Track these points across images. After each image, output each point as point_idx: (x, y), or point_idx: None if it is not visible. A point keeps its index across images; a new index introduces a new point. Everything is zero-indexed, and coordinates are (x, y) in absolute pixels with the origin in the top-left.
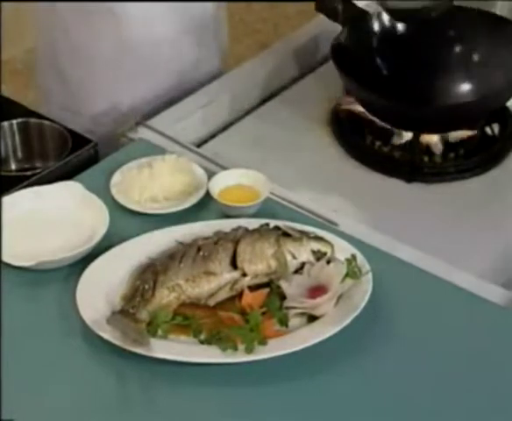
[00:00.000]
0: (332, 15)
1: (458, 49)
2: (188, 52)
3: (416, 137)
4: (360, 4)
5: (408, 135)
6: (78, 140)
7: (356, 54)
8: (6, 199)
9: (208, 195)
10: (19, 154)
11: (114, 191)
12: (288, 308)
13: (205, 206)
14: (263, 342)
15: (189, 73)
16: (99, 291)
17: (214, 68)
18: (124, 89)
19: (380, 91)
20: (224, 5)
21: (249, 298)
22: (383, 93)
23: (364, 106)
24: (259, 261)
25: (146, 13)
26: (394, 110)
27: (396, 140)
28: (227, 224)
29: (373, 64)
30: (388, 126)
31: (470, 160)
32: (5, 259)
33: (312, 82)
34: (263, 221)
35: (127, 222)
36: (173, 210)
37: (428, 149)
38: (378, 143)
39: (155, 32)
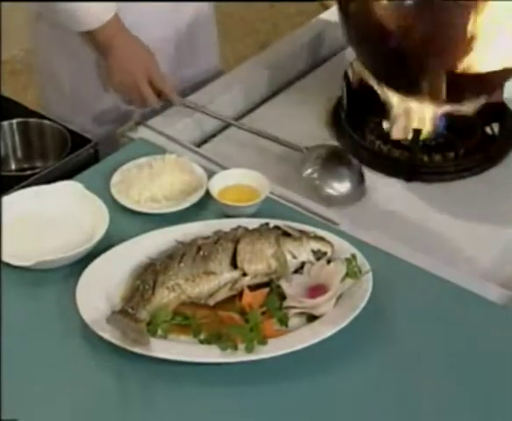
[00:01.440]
0: None
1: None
2: (185, 51)
3: (415, 136)
4: None
5: (405, 106)
6: (78, 140)
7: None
8: (6, 199)
9: (208, 194)
10: (19, 154)
11: (114, 191)
12: (287, 307)
13: (205, 206)
14: (263, 342)
15: (187, 72)
16: (99, 291)
17: (212, 67)
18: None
19: (390, 51)
20: (212, 5)
21: (249, 298)
22: (393, 53)
23: (372, 71)
24: (259, 261)
25: (141, 16)
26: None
27: (395, 114)
28: (227, 224)
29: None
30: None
31: (469, 160)
32: (5, 258)
33: (312, 81)
34: (263, 221)
35: (127, 222)
36: (173, 210)
37: (427, 147)
38: (378, 142)
39: (151, 34)
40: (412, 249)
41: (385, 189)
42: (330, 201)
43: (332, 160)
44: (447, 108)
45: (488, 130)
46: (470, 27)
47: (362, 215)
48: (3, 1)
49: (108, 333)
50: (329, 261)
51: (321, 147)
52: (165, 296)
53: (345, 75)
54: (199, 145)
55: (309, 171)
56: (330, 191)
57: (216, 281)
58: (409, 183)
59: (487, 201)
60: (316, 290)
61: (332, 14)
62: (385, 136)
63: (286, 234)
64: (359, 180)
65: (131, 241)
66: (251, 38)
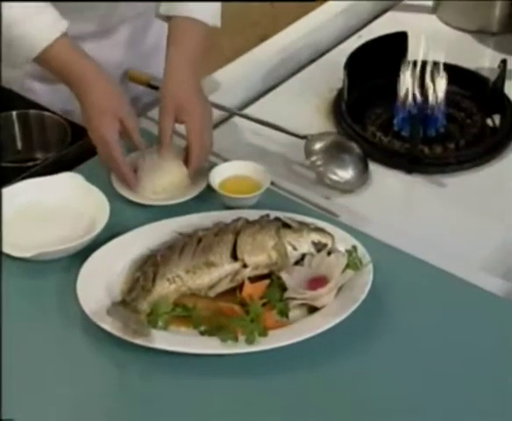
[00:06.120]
0: None
1: None
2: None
3: (416, 129)
4: None
5: None
6: (78, 131)
7: None
8: (6, 190)
9: (208, 186)
10: (19, 145)
11: (115, 182)
12: (288, 299)
13: (206, 197)
14: (263, 333)
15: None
16: (99, 282)
17: None
18: None
19: None
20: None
21: (249, 289)
22: None
23: None
24: (259, 253)
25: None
26: None
27: None
28: (227, 216)
29: None
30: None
31: (470, 151)
32: (6, 249)
33: (312, 73)
34: (263, 212)
35: (128, 213)
36: (173, 202)
37: (428, 139)
38: (378, 134)
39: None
40: (413, 241)
41: (385, 180)
42: (334, 188)
43: (336, 148)
44: None
45: (489, 121)
46: None
47: (363, 206)
48: (3, 1)
49: (108, 325)
50: (329, 253)
51: (325, 135)
52: (165, 288)
53: (346, 67)
54: None
55: (314, 158)
56: (335, 178)
57: (217, 272)
58: (410, 175)
59: (487, 192)
60: (317, 282)
61: (333, 5)
62: (385, 127)
63: (286, 226)
64: (363, 167)
65: (131, 233)
66: (250, 31)
